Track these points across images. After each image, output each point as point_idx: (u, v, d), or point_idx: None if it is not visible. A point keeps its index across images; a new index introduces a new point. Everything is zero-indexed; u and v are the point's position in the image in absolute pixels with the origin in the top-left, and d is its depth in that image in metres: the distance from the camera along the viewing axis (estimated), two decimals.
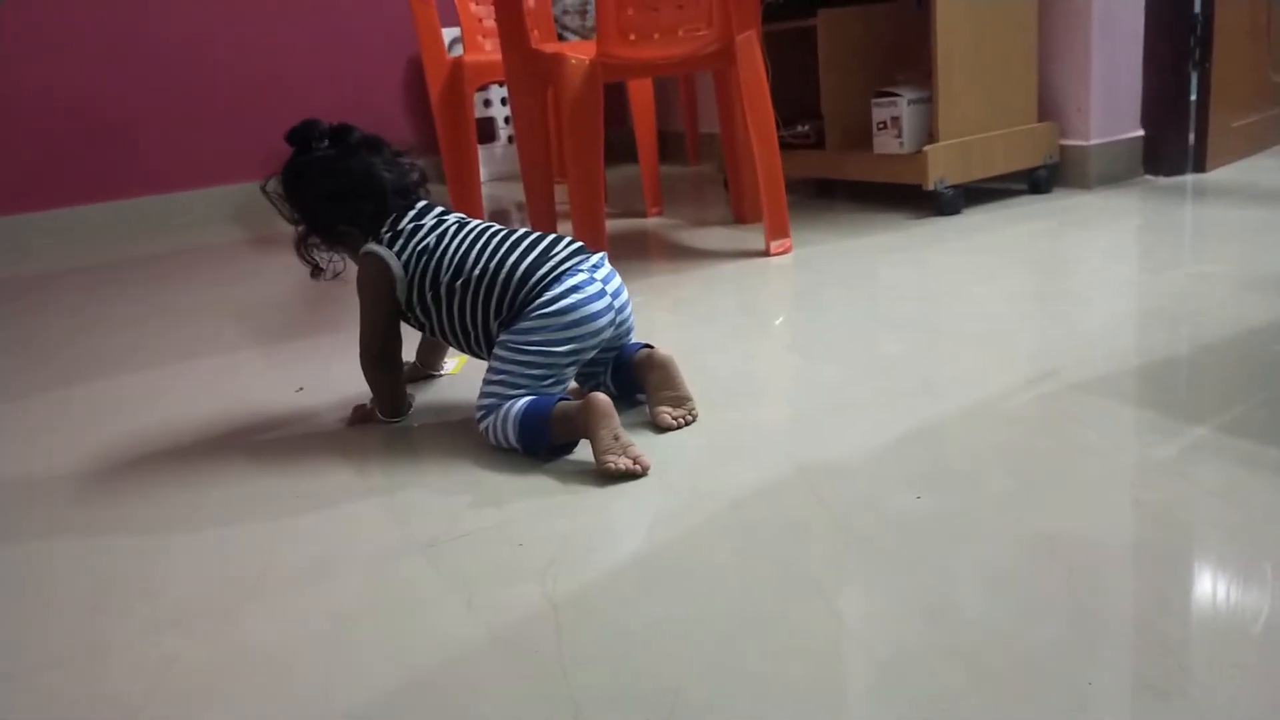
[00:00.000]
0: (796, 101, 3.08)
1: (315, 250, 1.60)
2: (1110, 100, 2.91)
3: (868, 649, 0.92)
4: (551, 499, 1.29)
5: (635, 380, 1.51)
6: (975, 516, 1.14)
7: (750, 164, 2.54)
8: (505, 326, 1.45)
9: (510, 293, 1.44)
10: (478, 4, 3.51)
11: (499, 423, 1.41)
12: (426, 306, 1.51)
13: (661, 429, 1.46)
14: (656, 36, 2.43)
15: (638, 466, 1.31)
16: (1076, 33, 2.85)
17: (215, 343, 2.22)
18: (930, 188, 2.70)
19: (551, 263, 1.45)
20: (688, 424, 1.47)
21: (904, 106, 2.76)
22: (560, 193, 2.61)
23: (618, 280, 1.50)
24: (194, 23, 4.03)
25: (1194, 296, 1.85)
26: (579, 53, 2.39)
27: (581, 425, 1.35)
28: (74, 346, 2.31)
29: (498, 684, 0.93)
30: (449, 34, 3.64)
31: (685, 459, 1.37)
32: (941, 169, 2.70)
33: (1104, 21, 2.83)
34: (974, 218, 2.70)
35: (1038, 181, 2.91)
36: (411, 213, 1.54)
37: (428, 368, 1.79)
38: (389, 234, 1.52)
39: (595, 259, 1.49)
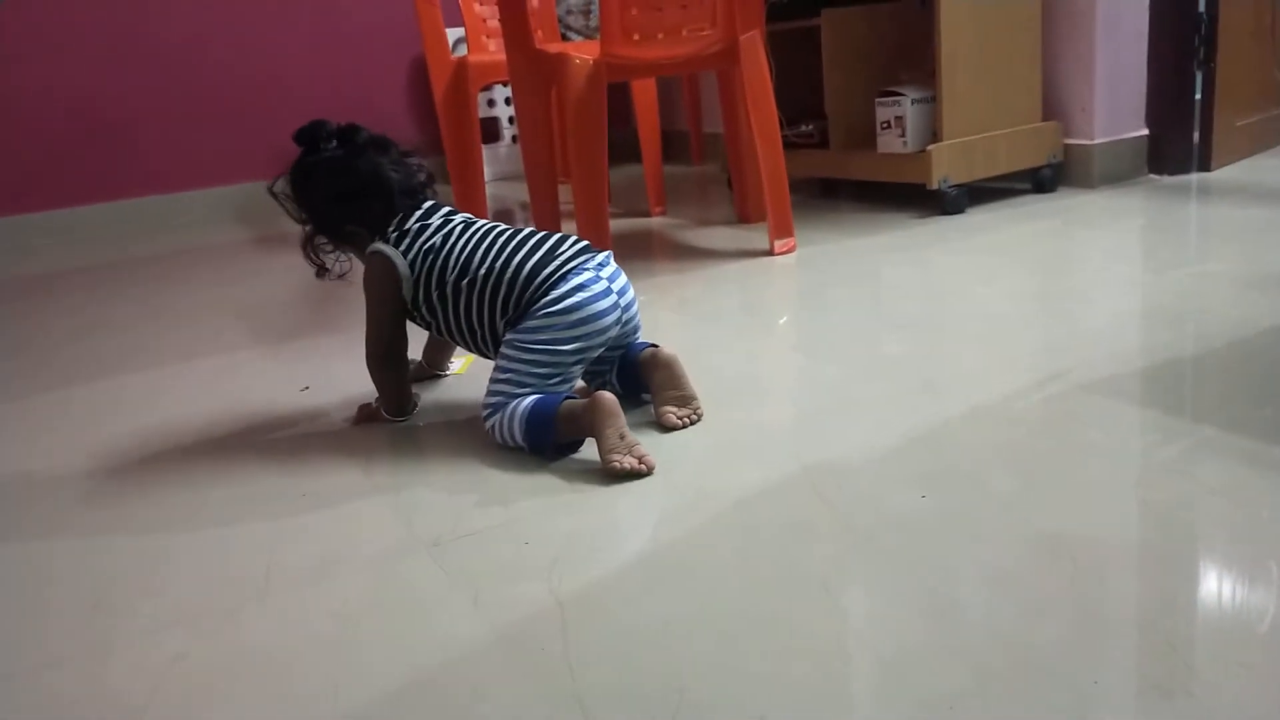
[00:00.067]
0: (800, 101, 3.08)
1: (321, 250, 1.60)
2: (1114, 99, 2.90)
3: (872, 648, 0.92)
4: (557, 498, 1.29)
5: (640, 379, 1.51)
6: (979, 516, 1.14)
7: (754, 163, 2.54)
8: (512, 325, 1.45)
9: (516, 292, 1.44)
10: (482, 4, 3.51)
11: (505, 421, 1.41)
12: (433, 305, 1.51)
13: (666, 428, 1.45)
14: (660, 36, 2.43)
15: (643, 466, 1.31)
16: (1080, 32, 2.85)
17: (217, 342, 2.22)
18: (934, 187, 2.70)
19: (557, 262, 1.45)
20: (692, 423, 1.47)
21: (908, 106, 2.76)
22: (564, 192, 2.61)
23: (623, 279, 1.50)
24: (195, 22, 4.03)
25: (1198, 296, 1.85)
26: (583, 53, 2.39)
27: (587, 424, 1.35)
28: (75, 347, 2.31)
29: (503, 683, 0.92)
30: (453, 34, 3.64)
31: (690, 458, 1.37)
32: (945, 168, 2.70)
33: (1108, 21, 2.83)
34: (978, 217, 2.69)
35: (1042, 181, 2.90)
36: (418, 212, 1.54)
37: (434, 367, 1.79)
38: (395, 233, 1.52)
39: (601, 257, 1.49)
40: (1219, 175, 2.93)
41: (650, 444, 1.37)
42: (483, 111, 4.41)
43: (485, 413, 1.45)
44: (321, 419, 1.66)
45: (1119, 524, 1.10)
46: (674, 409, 1.47)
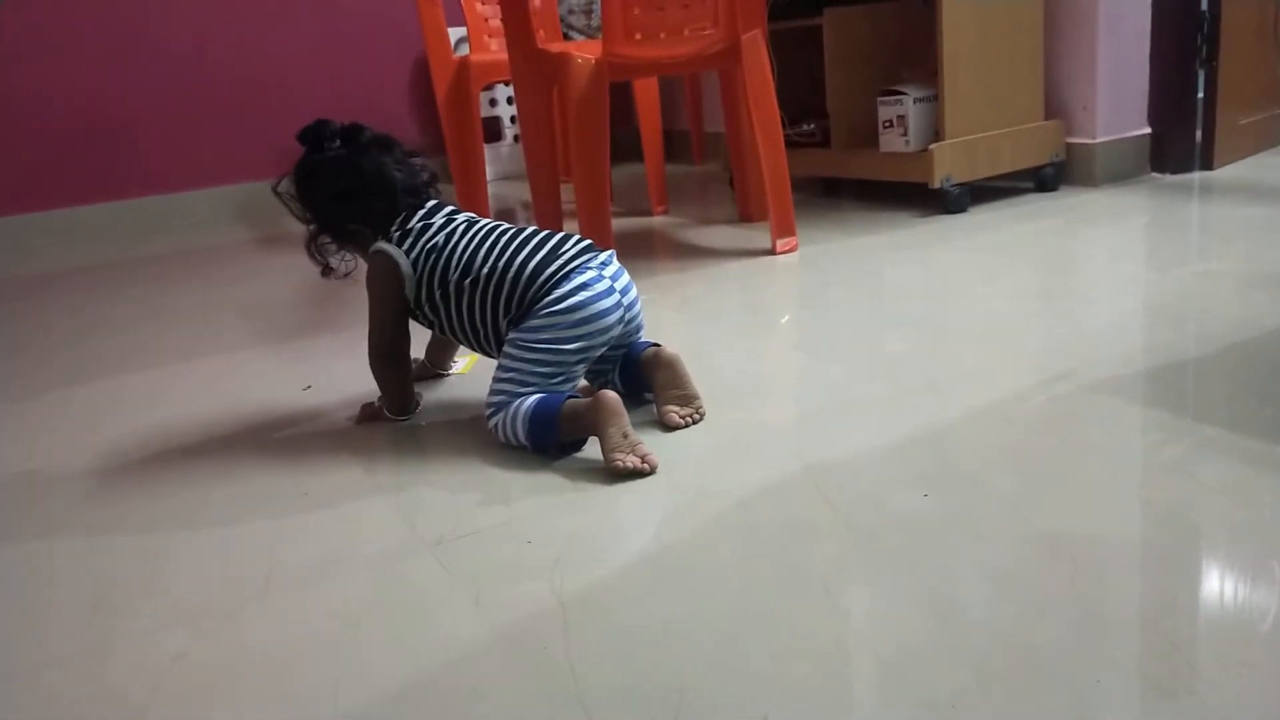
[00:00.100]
0: (802, 100, 3.08)
1: (325, 249, 1.60)
2: (1116, 98, 2.90)
3: (873, 648, 0.92)
4: (560, 497, 1.28)
5: (642, 379, 1.51)
6: (981, 515, 1.14)
7: (756, 163, 2.54)
8: (515, 324, 1.45)
9: (519, 291, 1.44)
10: (483, 3, 3.51)
11: (508, 420, 1.41)
12: (435, 304, 1.51)
13: (669, 427, 1.45)
14: (662, 36, 2.43)
15: (646, 465, 1.31)
16: (1083, 30, 2.84)
17: (217, 342, 2.22)
18: (936, 186, 2.70)
19: (560, 260, 1.45)
20: (695, 423, 1.47)
21: (910, 105, 2.76)
22: (566, 192, 2.61)
23: (626, 278, 1.50)
24: (195, 22, 4.03)
25: (1200, 295, 1.85)
26: (585, 52, 2.39)
27: (590, 423, 1.35)
28: (75, 347, 2.31)
29: (505, 682, 0.92)
30: (455, 33, 3.64)
31: (692, 457, 1.37)
32: (947, 167, 2.70)
33: (1110, 19, 2.82)
34: (980, 216, 2.69)
35: (1044, 179, 2.90)
36: (421, 211, 1.54)
37: (437, 366, 1.79)
38: (398, 232, 1.52)
39: (604, 256, 1.49)
40: (1221, 174, 2.93)
41: (652, 443, 1.37)
42: (485, 111, 4.41)
43: (488, 412, 1.45)
44: (323, 418, 1.66)
45: (1121, 523, 1.10)
46: (676, 408, 1.47)
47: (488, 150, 4.17)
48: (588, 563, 1.11)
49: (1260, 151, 3.17)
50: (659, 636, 0.97)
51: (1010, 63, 2.79)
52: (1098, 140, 2.89)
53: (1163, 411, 1.38)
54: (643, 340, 1.55)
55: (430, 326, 1.58)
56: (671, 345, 1.51)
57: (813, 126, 3.09)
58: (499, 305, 1.46)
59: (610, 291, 1.45)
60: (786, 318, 2.07)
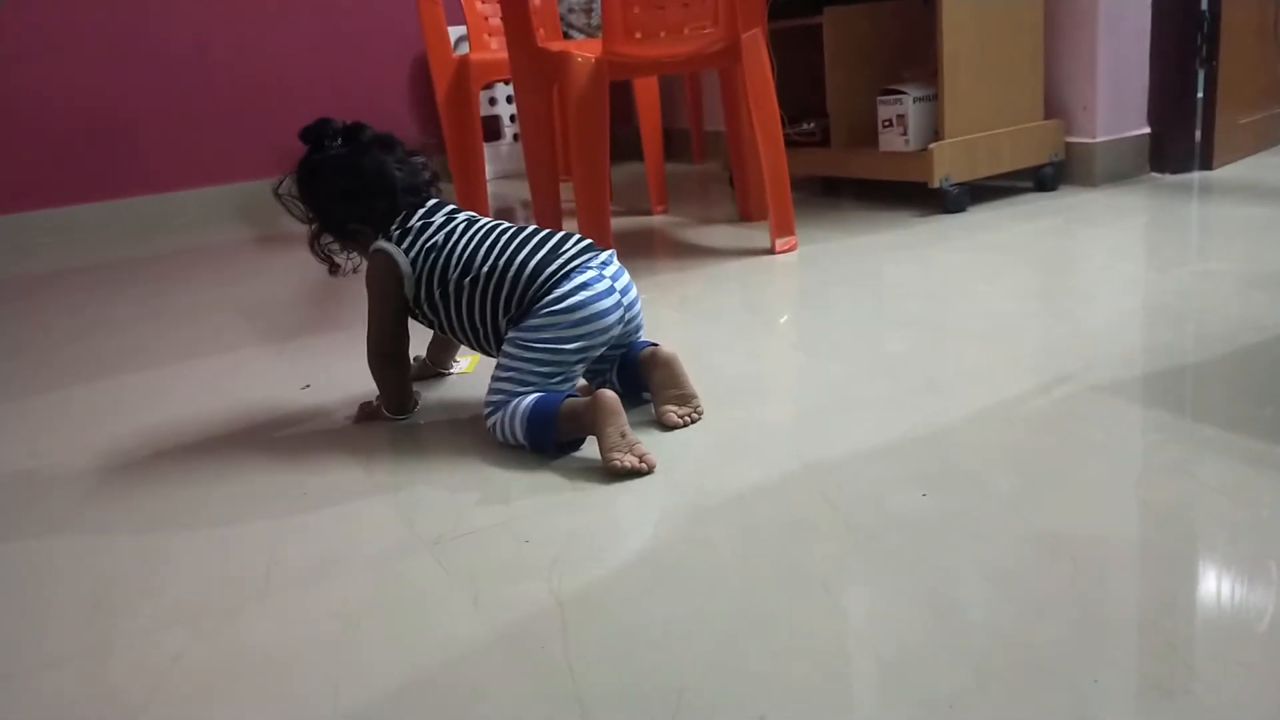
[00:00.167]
0: (802, 99, 3.08)
1: (328, 248, 1.61)
2: (1116, 98, 2.90)
3: (872, 648, 0.92)
4: (558, 496, 1.28)
5: (640, 378, 1.51)
6: (980, 515, 1.14)
7: (756, 162, 2.54)
8: (514, 324, 1.45)
9: (519, 290, 1.44)
10: (483, 2, 3.51)
11: (506, 419, 1.41)
12: (435, 304, 1.51)
13: (667, 427, 1.45)
14: (662, 35, 2.43)
15: (644, 465, 1.31)
16: (1082, 30, 2.84)
17: (217, 342, 2.22)
18: (936, 185, 2.70)
19: (560, 260, 1.45)
20: (693, 422, 1.47)
21: (909, 104, 2.76)
22: (566, 190, 2.61)
23: (626, 277, 1.50)
24: (195, 22, 4.03)
25: (1200, 294, 1.85)
26: (584, 51, 2.39)
27: (589, 422, 1.35)
28: (75, 346, 2.31)
29: (503, 682, 0.92)
30: (455, 32, 3.64)
31: (691, 457, 1.37)
32: (947, 167, 2.70)
33: (1110, 19, 2.82)
34: (979, 215, 2.69)
35: (1043, 179, 2.90)
36: (421, 210, 1.54)
37: (437, 365, 1.79)
38: (398, 231, 1.52)
39: (604, 256, 1.49)
40: (1221, 173, 2.93)
41: (651, 443, 1.37)
42: (484, 110, 4.41)
43: (487, 411, 1.45)
44: (322, 417, 1.66)
45: (1120, 523, 1.10)
46: (674, 408, 1.47)
47: (487, 149, 4.17)
48: (586, 562, 1.11)
49: (1260, 151, 3.17)
50: (657, 636, 0.97)
51: (1010, 62, 2.79)
52: (1097, 140, 2.89)
53: (1162, 411, 1.38)
54: (642, 340, 1.55)
55: (430, 325, 1.58)
56: (670, 344, 1.51)
57: (812, 126, 3.09)
58: (499, 304, 1.46)
59: (610, 291, 1.45)
60: (785, 317, 2.07)
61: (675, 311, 2.11)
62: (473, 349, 1.57)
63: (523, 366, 1.43)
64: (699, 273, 2.40)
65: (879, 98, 2.83)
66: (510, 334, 1.45)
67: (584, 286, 1.43)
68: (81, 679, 1.00)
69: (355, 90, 4.28)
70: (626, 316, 1.48)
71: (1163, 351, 1.60)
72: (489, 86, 4.41)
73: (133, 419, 1.74)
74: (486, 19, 3.51)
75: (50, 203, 3.90)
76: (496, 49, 3.37)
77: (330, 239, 1.60)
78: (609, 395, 1.34)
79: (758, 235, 2.64)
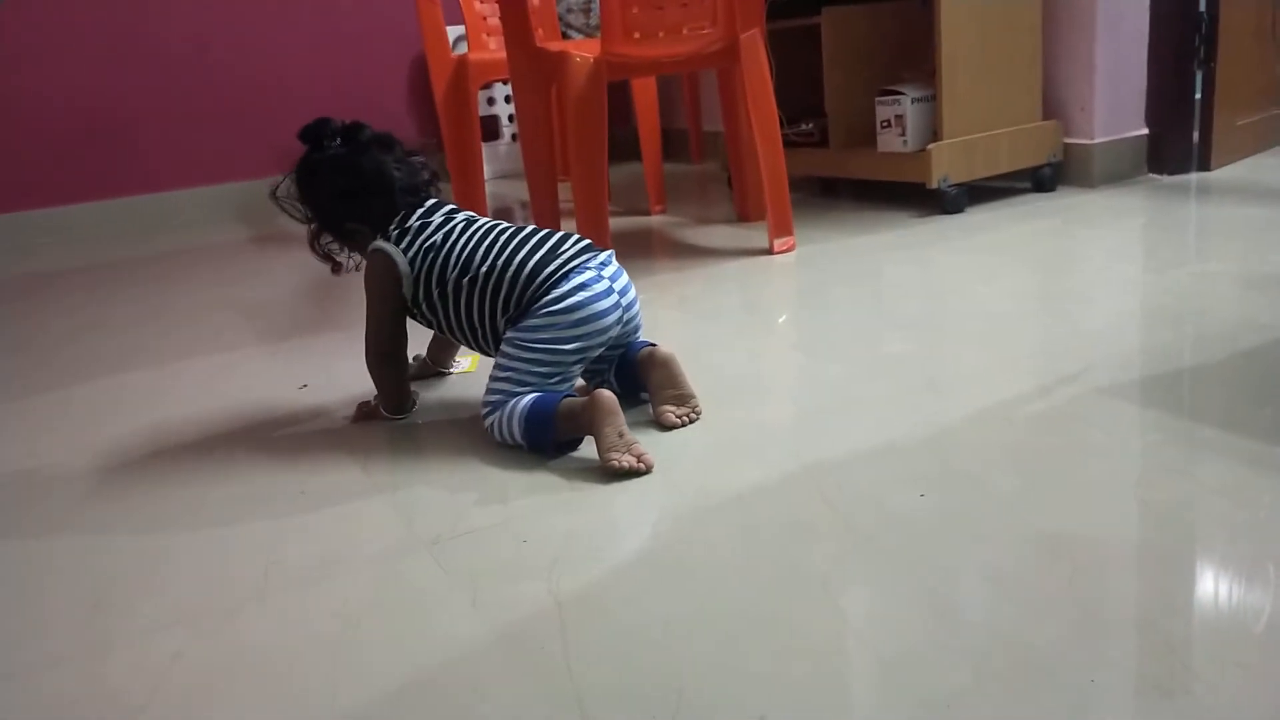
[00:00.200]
0: (800, 100, 3.08)
1: (328, 247, 1.61)
2: (1114, 99, 2.90)
3: (872, 648, 0.92)
4: (556, 496, 1.29)
5: (638, 378, 1.51)
6: (979, 515, 1.14)
7: (754, 162, 2.54)
8: (513, 324, 1.45)
9: (518, 290, 1.44)
10: (482, 2, 3.51)
11: (504, 419, 1.41)
12: (433, 303, 1.51)
13: (665, 427, 1.45)
14: (661, 35, 2.43)
15: (642, 464, 1.31)
16: (1081, 31, 2.85)
17: (216, 341, 2.22)
18: (934, 186, 2.70)
19: (559, 260, 1.45)
20: (691, 422, 1.47)
21: (908, 105, 2.76)
22: (564, 190, 2.61)
23: (625, 278, 1.50)
24: (195, 22, 4.03)
25: (1198, 295, 1.85)
26: (583, 51, 2.39)
27: (586, 422, 1.35)
28: (74, 346, 2.31)
29: (502, 682, 0.92)
30: (453, 32, 3.64)
31: (690, 457, 1.37)
32: (945, 167, 2.70)
33: (1108, 20, 2.83)
34: (978, 216, 2.69)
35: (1042, 180, 2.90)
36: (420, 210, 1.55)
37: (438, 364, 1.79)
38: (397, 231, 1.52)
39: (603, 257, 1.49)
40: (1219, 175, 2.93)
41: (650, 443, 1.37)
42: (483, 109, 4.41)
43: (484, 411, 1.45)
44: (321, 417, 1.66)
45: (1119, 524, 1.10)
46: (672, 408, 1.47)
47: (486, 149, 4.17)
48: (585, 562, 1.12)
49: (1258, 152, 3.17)
50: (657, 636, 0.97)
51: (1009, 63, 2.79)
52: (1095, 141, 2.89)
53: (1161, 412, 1.38)
54: (640, 340, 1.55)
55: (428, 325, 1.58)
56: (668, 344, 1.51)
57: (811, 126, 3.09)
58: (497, 304, 1.46)
59: (609, 292, 1.45)
60: (784, 317, 2.07)
61: (673, 311, 2.11)
62: (471, 349, 1.57)
63: (521, 367, 1.43)
64: (697, 273, 2.40)
65: (877, 98, 2.83)
66: (508, 334, 1.45)
67: (582, 287, 1.43)
68: (81, 679, 1.00)
69: (354, 90, 4.28)
70: (625, 317, 1.48)
71: (1161, 352, 1.60)
72: (487, 86, 4.41)
73: (133, 419, 1.74)
74: (485, 19, 3.51)
75: (50, 202, 3.89)
76: (495, 49, 3.37)
77: (330, 238, 1.61)
78: (607, 395, 1.34)
79: (756, 235, 2.64)
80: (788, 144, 2.58)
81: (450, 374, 1.80)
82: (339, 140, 1.55)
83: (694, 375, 1.50)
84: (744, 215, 2.96)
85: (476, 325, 1.50)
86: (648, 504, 1.25)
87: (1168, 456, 1.25)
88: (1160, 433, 1.31)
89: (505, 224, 1.54)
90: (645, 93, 3.37)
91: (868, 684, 0.88)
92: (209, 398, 1.82)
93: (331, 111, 1.63)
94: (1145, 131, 2.98)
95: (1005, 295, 1.99)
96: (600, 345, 1.46)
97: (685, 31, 2.45)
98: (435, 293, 1.50)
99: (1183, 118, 2.97)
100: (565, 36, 3.83)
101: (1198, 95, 2.96)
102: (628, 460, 1.31)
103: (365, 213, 1.54)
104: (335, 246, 1.62)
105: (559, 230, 1.54)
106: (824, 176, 3.28)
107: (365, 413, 1.61)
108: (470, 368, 1.81)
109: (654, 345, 1.51)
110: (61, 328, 2.51)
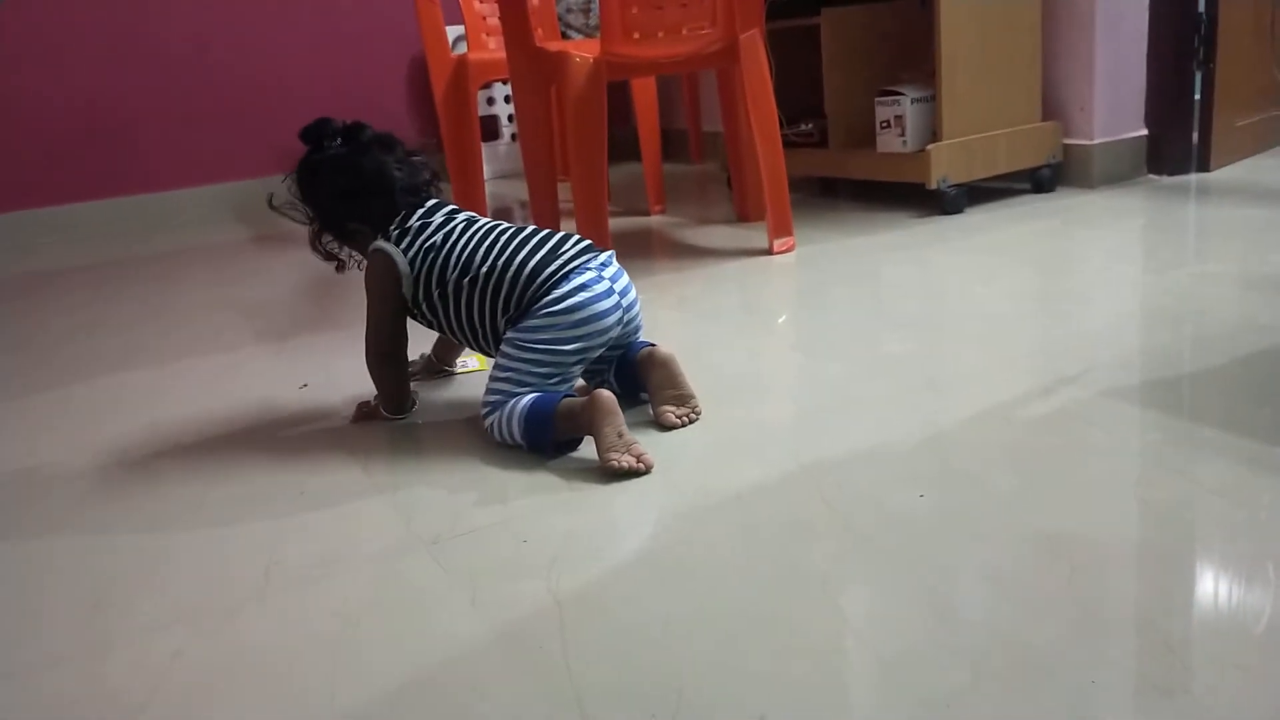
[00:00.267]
0: (800, 100, 3.08)
1: (330, 247, 1.61)
2: (1114, 99, 2.90)
3: (871, 647, 0.92)
4: (556, 496, 1.29)
5: (638, 379, 1.51)
6: (978, 515, 1.14)
7: (754, 162, 2.54)
8: (513, 324, 1.45)
9: (518, 290, 1.44)
10: (481, 2, 3.51)
11: (504, 419, 1.41)
12: (433, 304, 1.52)
13: (665, 427, 1.45)
14: (660, 35, 2.43)
15: (641, 465, 1.31)
16: (1080, 32, 2.85)
17: (217, 341, 2.22)
18: (933, 187, 2.70)
19: (560, 261, 1.45)
20: (691, 422, 1.47)
21: (907, 105, 2.76)
22: (564, 191, 2.61)
23: (625, 279, 1.50)
24: (195, 22, 4.03)
25: (1197, 296, 1.85)
26: (583, 51, 2.39)
27: (586, 422, 1.35)
28: (74, 345, 2.31)
29: (502, 681, 0.93)
30: (453, 32, 3.64)
31: (689, 457, 1.37)
32: (944, 168, 2.70)
33: (1108, 20, 2.83)
34: (977, 217, 2.69)
35: (1041, 181, 2.90)
36: (420, 211, 1.55)
37: (443, 363, 1.79)
38: (397, 231, 1.52)
39: (604, 257, 1.49)
40: (1218, 175, 2.93)
41: (649, 443, 1.37)
42: (482, 109, 4.41)
43: (484, 411, 1.45)
44: (321, 417, 1.66)
45: (1118, 524, 1.10)
46: (672, 408, 1.47)
47: (485, 149, 4.17)
48: (584, 562, 1.12)
49: (1257, 153, 3.17)
50: (656, 635, 0.97)
51: (1008, 63, 2.80)
52: (1095, 141, 2.89)
53: (1160, 412, 1.38)
54: (640, 340, 1.55)
55: (429, 326, 1.58)
56: (668, 344, 1.51)
57: (810, 126, 3.09)
58: (497, 304, 1.46)
59: (609, 293, 1.45)
60: (784, 317, 2.07)
61: (673, 311, 2.11)
62: (472, 349, 1.57)
63: (521, 367, 1.43)
64: (697, 273, 2.40)
65: (877, 99, 2.83)
66: (508, 334, 1.45)
67: (583, 288, 1.43)
68: (81, 678, 1.00)
69: (354, 90, 4.28)
70: (625, 318, 1.48)
71: (1160, 353, 1.60)
72: (487, 86, 4.41)
73: (133, 418, 1.74)
74: (484, 19, 3.51)
75: (50, 201, 3.89)
76: (494, 49, 3.37)
77: (331, 238, 1.61)
78: (606, 395, 1.34)
79: (755, 236, 2.64)
80: (787, 144, 2.59)
81: (457, 373, 1.80)
82: (340, 140, 1.55)
83: (693, 375, 1.50)
84: (744, 215, 2.96)
85: (477, 325, 1.50)
86: (647, 504, 1.25)
87: (1167, 456, 1.25)
88: (1159, 433, 1.32)
89: (506, 224, 1.54)
90: (645, 93, 3.37)
91: (867, 684, 0.88)
92: (209, 397, 1.82)
93: (331, 111, 1.63)
94: (1145, 132, 2.98)
95: (1004, 296, 1.99)
96: (601, 346, 1.46)
97: (685, 32, 2.45)
98: (435, 293, 1.50)
99: (1182, 118, 2.98)
100: (565, 36, 3.84)
101: (1197, 96, 2.96)
102: (627, 460, 1.31)
103: (366, 213, 1.55)
104: (336, 246, 1.62)
105: (559, 231, 1.54)
106: (823, 177, 3.28)
107: (365, 413, 1.61)
108: (481, 366, 1.80)
109: (654, 345, 1.51)
110: (61, 327, 2.51)
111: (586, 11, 4.09)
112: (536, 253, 1.46)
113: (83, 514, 1.39)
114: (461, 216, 1.56)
